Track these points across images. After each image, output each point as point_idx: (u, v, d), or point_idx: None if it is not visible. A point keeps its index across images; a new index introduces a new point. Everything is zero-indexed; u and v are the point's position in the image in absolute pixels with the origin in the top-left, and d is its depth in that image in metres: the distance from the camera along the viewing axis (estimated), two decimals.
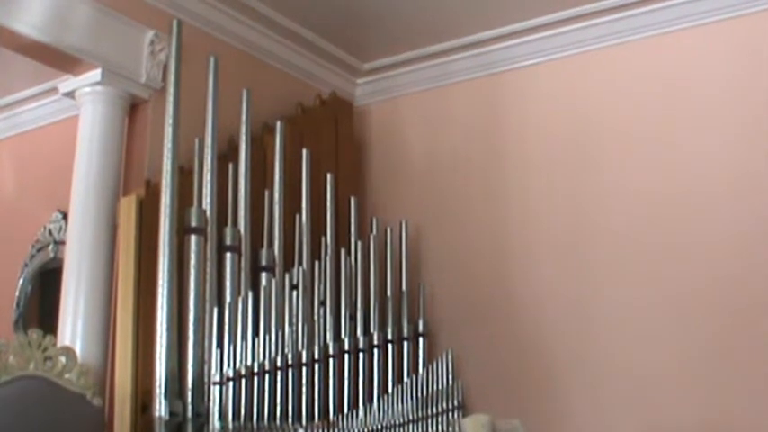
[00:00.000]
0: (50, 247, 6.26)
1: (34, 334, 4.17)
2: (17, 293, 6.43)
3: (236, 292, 4.85)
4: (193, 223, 4.80)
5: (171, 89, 4.88)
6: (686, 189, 5.29)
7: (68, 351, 4.29)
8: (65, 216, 5.56)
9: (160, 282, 4.69)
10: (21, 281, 6.42)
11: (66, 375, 4.19)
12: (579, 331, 5.48)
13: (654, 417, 5.18)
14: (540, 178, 5.78)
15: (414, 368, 5.46)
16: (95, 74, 4.97)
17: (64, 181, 5.12)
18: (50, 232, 6.24)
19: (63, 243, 5.49)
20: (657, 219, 5.35)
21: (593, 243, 5.52)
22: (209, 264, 4.82)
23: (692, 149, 5.31)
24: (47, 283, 6.23)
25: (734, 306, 5.06)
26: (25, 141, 6.58)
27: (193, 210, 4.82)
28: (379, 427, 5.00)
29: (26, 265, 6.42)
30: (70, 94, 5.14)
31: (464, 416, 5.17)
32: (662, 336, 5.22)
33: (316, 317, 5.05)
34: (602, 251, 5.49)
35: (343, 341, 5.16)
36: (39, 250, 6.35)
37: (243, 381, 4.59)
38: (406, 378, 5.37)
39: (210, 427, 4.55)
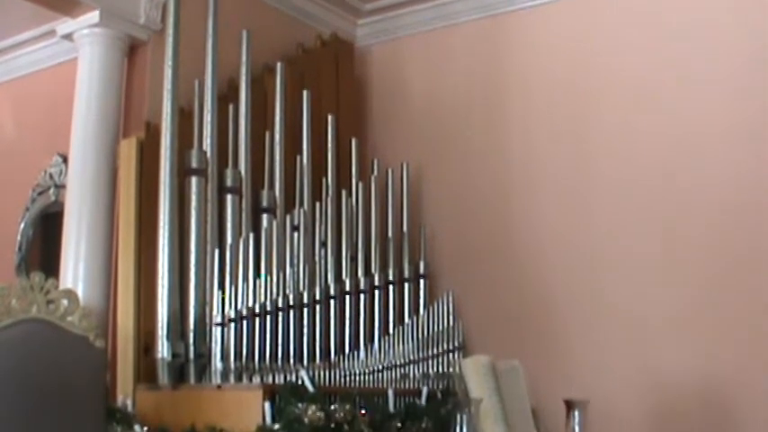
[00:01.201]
0: (51, 191, 6.25)
1: (36, 277, 4.16)
2: (19, 238, 6.43)
3: (237, 233, 4.86)
4: (194, 165, 4.80)
5: (170, 30, 4.87)
6: (689, 132, 5.26)
7: (70, 294, 4.29)
8: (65, 159, 5.55)
9: (161, 224, 4.70)
10: (22, 225, 6.42)
11: (69, 318, 4.20)
12: (579, 273, 5.48)
13: (652, 359, 5.19)
14: (541, 120, 5.75)
15: (415, 309, 5.47)
16: (93, 15, 4.94)
17: (64, 124, 5.12)
18: (51, 176, 6.23)
19: (64, 186, 5.49)
20: (659, 162, 5.32)
21: (595, 185, 5.50)
22: (209, 205, 4.83)
23: (695, 92, 5.27)
24: (48, 226, 6.23)
25: (734, 250, 5.06)
26: (24, 85, 6.56)
27: (194, 151, 4.82)
28: (380, 367, 5.02)
29: (27, 209, 6.42)
30: (68, 37, 5.12)
31: (464, 357, 5.18)
32: (662, 279, 5.22)
33: (317, 258, 5.05)
34: (603, 194, 5.47)
35: (344, 282, 5.16)
36: (39, 194, 6.34)
37: (244, 322, 4.60)
38: (406, 319, 5.38)
39: (212, 367, 4.57)
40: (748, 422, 4.92)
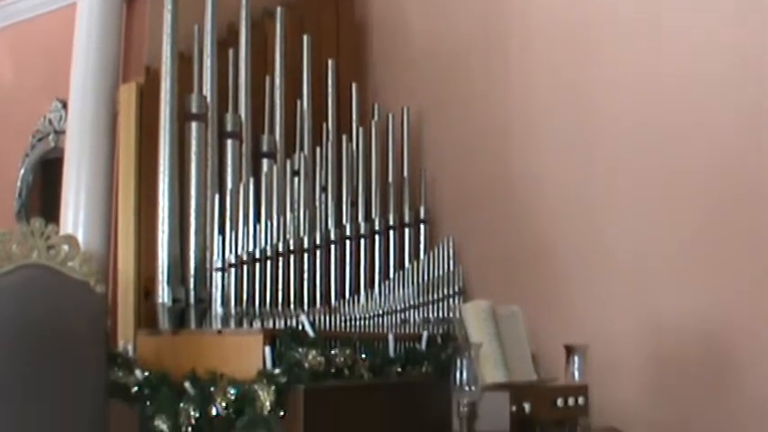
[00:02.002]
0: (51, 137, 6.25)
1: (36, 223, 4.18)
2: (19, 184, 6.45)
3: (237, 178, 4.85)
4: (194, 109, 4.78)
5: None
6: (690, 75, 5.21)
7: (71, 239, 4.30)
8: (65, 105, 5.54)
9: (161, 169, 4.70)
10: (22, 171, 6.43)
11: (69, 263, 4.21)
12: (580, 218, 5.47)
13: (653, 304, 5.19)
14: (541, 62, 5.70)
15: (415, 254, 5.47)
16: None
17: (63, 70, 5.11)
18: (50, 122, 6.23)
19: (63, 132, 5.49)
20: (660, 105, 5.28)
21: (595, 126, 5.47)
22: (210, 150, 4.81)
23: (697, 34, 5.23)
24: (48, 172, 6.24)
25: (736, 195, 5.02)
26: (22, 31, 6.54)
27: (194, 96, 4.79)
28: (381, 312, 5.01)
29: (27, 155, 6.42)
30: None
31: (465, 302, 5.20)
32: (662, 222, 5.21)
33: (317, 203, 5.04)
34: (603, 136, 5.44)
35: (344, 227, 5.15)
36: (39, 140, 6.35)
37: (245, 267, 4.60)
38: (407, 264, 5.38)
39: (213, 312, 4.58)
40: (748, 367, 4.94)
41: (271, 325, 4.52)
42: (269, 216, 4.77)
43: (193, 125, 4.77)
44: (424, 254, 5.45)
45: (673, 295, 5.14)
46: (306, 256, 4.85)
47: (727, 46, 5.11)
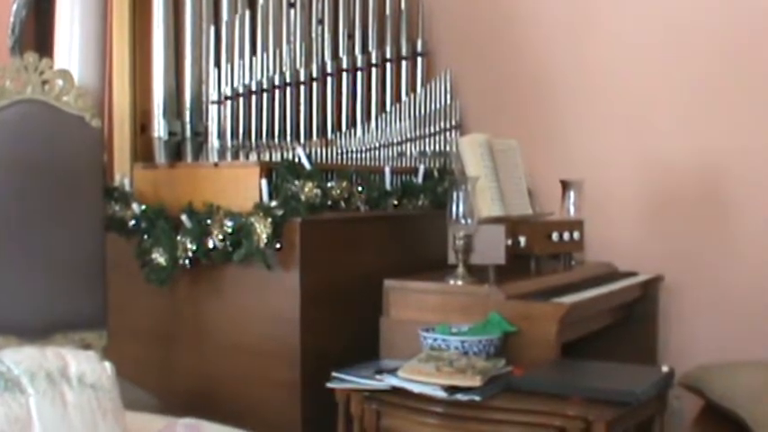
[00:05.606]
0: None
1: (30, 58, 4.14)
2: (12, 19, 6.35)
3: (232, 10, 4.76)
4: None
5: None
6: None
7: (65, 74, 4.26)
8: None
9: (155, 0, 4.64)
10: (14, 6, 6.33)
11: (64, 98, 4.18)
12: (582, 52, 5.44)
13: (651, 141, 5.21)
14: None
15: (412, 87, 5.43)
16: None
17: None
18: None
19: None
20: None
21: None
22: None
23: None
24: (41, 7, 6.15)
25: (737, 36, 5.01)
26: None
27: None
28: (377, 145, 5.01)
29: None
30: None
31: (461, 135, 5.19)
32: (662, 60, 5.18)
33: (313, 35, 4.97)
34: None
35: (341, 60, 5.09)
36: None
37: (241, 99, 4.58)
38: (404, 97, 5.34)
39: (209, 145, 4.58)
40: (744, 202, 4.99)
41: (267, 157, 4.52)
42: (265, 48, 4.72)
43: None
44: (421, 87, 5.42)
45: (670, 132, 5.16)
46: (302, 88, 4.81)
47: None
